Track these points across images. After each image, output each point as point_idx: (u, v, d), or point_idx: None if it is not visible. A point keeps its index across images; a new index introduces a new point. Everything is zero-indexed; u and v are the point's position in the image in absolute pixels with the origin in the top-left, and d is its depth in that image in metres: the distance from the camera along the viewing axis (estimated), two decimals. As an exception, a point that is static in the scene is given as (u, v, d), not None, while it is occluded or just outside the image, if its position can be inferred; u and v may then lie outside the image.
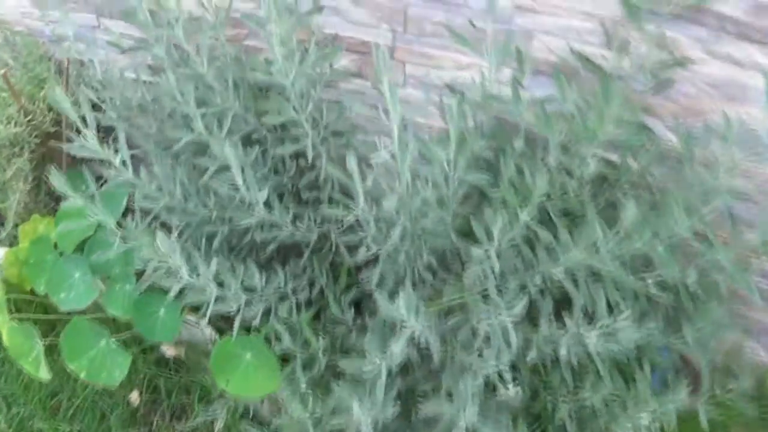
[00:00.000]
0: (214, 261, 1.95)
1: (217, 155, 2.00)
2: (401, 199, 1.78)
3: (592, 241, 1.81)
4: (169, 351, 2.72)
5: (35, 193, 2.93)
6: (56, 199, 2.94)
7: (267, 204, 2.09)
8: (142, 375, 2.74)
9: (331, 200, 2.22)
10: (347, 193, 1.89)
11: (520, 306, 1.77)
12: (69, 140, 1.98)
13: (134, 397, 2.78)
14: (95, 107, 2.37)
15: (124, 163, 2.06)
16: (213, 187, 2.02)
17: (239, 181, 1.89)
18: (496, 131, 2.19)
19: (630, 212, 1.71)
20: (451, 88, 2.07)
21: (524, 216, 1.82)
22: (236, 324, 2.16)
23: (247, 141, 2.28)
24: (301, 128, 2.06)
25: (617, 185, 2.13)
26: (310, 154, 2.05)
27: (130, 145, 2.16)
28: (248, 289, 2.17)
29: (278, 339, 2.25)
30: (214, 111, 2.13)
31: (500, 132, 2.18)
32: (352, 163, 1.64)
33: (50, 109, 2.80)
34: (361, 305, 2.47)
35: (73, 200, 1.91)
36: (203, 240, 2.29)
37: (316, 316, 2.47)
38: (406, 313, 1.72)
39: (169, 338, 2.37)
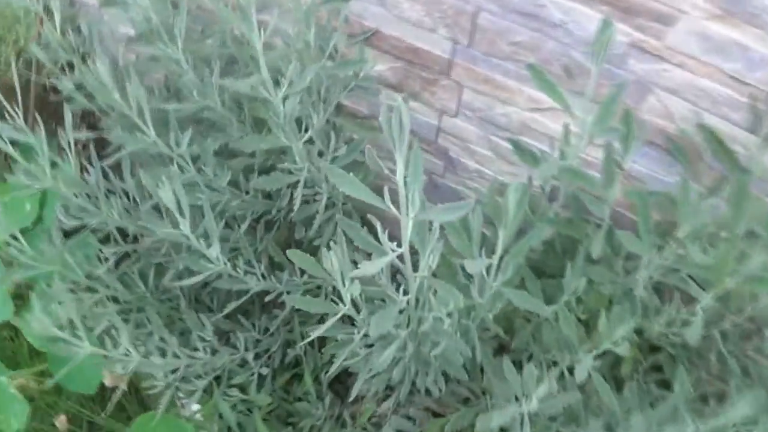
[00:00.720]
0: (125, 331, 1.36)
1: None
2: (405, 314, 1.18)
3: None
4: (108, 379, 2.15)
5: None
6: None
7: (235, 250, 1.51)
8: (73, 398, 2.17)
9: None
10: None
11: None
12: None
13: (62, 420, 2.22)
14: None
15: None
16: (147, 227, 1.42)
17: (185, 229, 1.30)
18: (570, 203, 1.57)
19: (740, 411, 1.11)
20: (517, 145, 1.44)
21: (584, 367, 1.21)
22: (164, 401, 1.58)
23: (232, 151, 1.69)
24: (293, 162, 1.45)
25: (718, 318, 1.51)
26: (299, 198, 1.45)
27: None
28: (191, 356, 1.59)
29: (221, 423, 1.67)
30: (188, 108, 1.53)
31: (577, 211, 1.56)
32: (332, 259, 1.03)
33: (18, 57, 2.22)
34: (347, 382, 1.89)
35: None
36: (151, 273, 1.71)
37: (289, 383, 1.90)
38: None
39: (86, 389, 1.82)
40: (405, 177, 0.89)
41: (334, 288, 1.64)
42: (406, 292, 1.16)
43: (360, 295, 1.25)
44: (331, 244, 1.03)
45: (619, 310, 1.24)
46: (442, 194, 1.93)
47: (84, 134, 1.72)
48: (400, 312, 1.19)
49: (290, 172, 1.50)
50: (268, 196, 1.73)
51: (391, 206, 0.94)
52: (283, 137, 1.38)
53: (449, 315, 1.18)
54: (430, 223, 1.09)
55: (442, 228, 1.13)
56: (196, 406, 1.84)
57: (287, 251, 1.08)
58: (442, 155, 1.83)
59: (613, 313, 1.29)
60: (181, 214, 1.28)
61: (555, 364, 1.50)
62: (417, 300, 1.21)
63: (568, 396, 1.22)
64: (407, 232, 0.98)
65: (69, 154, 1.56)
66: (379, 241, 1.04)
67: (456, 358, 1.30)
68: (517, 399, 1.32)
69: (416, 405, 1.64)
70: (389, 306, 1.13)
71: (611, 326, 1.21)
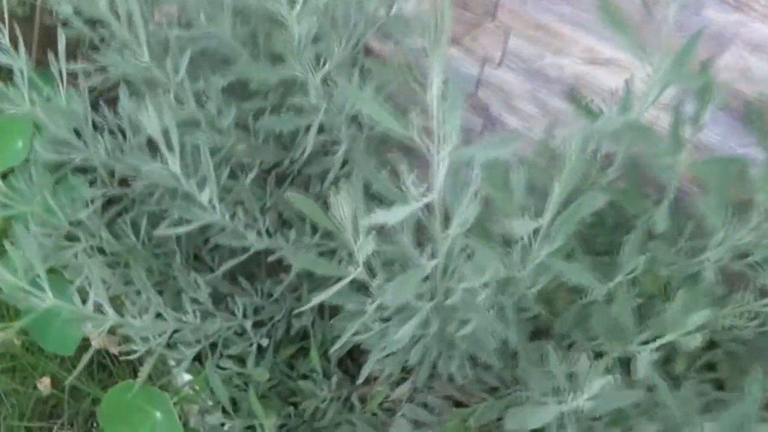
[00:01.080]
0: (100, 283, 1.16)
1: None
2: (430, 283, 0.97)
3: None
4: (96, 340, 1.96)
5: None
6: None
7: (240, 203, 1.31)
8: (57, 360, 1.99)
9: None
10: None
11: None
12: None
13: (45, 383, 2.04)
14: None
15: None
16: (132, 162, 1.22)
17: (173, 167, 1.09)
18: (627, 172, 1.35)
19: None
20: (573, 94, 1.23)
21: (643, 361, 1.00)
22: (145, 370, 1.39)
23: (244, 90, 1.49)
24: (307, 99, 1.24)
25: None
26: (311, 142, 1.24)
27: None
28: (179, 319, 1.39)
29: (213, 398, 1.47)
30: (193, 36, 1.32)
31: (633, 180, 1.34)
32: (342, 204, 0.82)
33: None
34: (360, 360, 1.69)
35: None
36: (143, 222, 1.51)
37: (294, 357, 1.69)
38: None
39: (63, 350, 1.63)
40: (440, 96, 0.68)
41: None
42: (432, 256, 0.95)
43: (376, 256, 1.05)
44: (342, 186, 0.83)
45: (689, 294, 1.03)
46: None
47: (80, 65, 1.53)
48: (424, 280, 0.98)
49: (304, 113, 1.29)
50: (283, 146, 1.53)
51: (421, 138, 0.73)
52: (298, 68, 1.16)
53: (485, 287, 0.96)
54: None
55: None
56: (187, 377, 1.65)
57: (287, 192, 0.87)
58: (482, 111, 1.61)
59: (683, 297, 1.07)
60: (170, 148, 1.08)
61: (599, 354, 1.30)
62: (445, 266, 1.00)
63: (630, 394, 1.00)
64: (440, 173, 0.76)
65: (61, 83, 1.38)
66: (401, 188, 0.83)
67: (488, 341, 1.08)
68: (557, 393, 1.12)
69: (435, 392, 1.43)
70: (412, 271, 0.92)
71: (683, 312, 0.99)
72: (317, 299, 0.98)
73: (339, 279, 1.54)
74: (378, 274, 1.04)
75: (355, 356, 1.69)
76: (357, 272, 0.98)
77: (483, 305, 0.99)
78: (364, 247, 0.87)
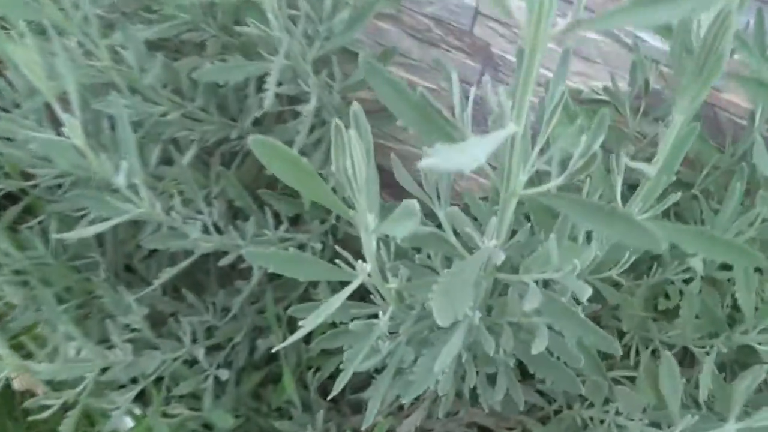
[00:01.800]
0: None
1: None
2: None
3: None
4: (17, 381, 1.59)
5: None
6: None
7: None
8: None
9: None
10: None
11: None
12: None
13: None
14: None
15: None
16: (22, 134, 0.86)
17: (71, 132, 0.73)
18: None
19: None
20: None
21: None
22: (68, 426, 1.02)
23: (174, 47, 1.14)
24: (263, 29, 0.89)
25: None
26: (270, 95, 0.89)
27: None
28: (105, 356, 1.02)
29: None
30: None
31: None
32: (354, 150, 0.47)
33: None
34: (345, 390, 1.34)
35: None
36: (53, 226, 1.14)
37: (262, 385, 1.34)
38: None
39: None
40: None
41: (324, 243, 1.10)
42: (494, 236, 0.60)
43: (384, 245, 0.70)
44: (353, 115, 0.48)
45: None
46: (480, 115, 1.36)
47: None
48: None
49: (256, 57, 0.93)
50: (229, 116, 1.17)
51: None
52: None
53: (573, 275, 0.62)
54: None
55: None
56: (130, 423, 1.28)
57: (251, 138, 0.49)
58: (480, 53, 1.26)
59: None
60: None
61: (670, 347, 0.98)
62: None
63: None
64: (530, 78, 0.42)
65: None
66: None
67: (571, 358, 0.74)
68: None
69: (458, 419, 1.09)
70: (463, 264, 0.57)
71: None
72: (307, 324, 0.62)
73: (316, 283, 1.19)
74: (396, 275, 0.69)
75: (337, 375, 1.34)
76: (365, 273, 0.63)
77: (577, 309, 0.64)
78: (393, 228, 0.52)
